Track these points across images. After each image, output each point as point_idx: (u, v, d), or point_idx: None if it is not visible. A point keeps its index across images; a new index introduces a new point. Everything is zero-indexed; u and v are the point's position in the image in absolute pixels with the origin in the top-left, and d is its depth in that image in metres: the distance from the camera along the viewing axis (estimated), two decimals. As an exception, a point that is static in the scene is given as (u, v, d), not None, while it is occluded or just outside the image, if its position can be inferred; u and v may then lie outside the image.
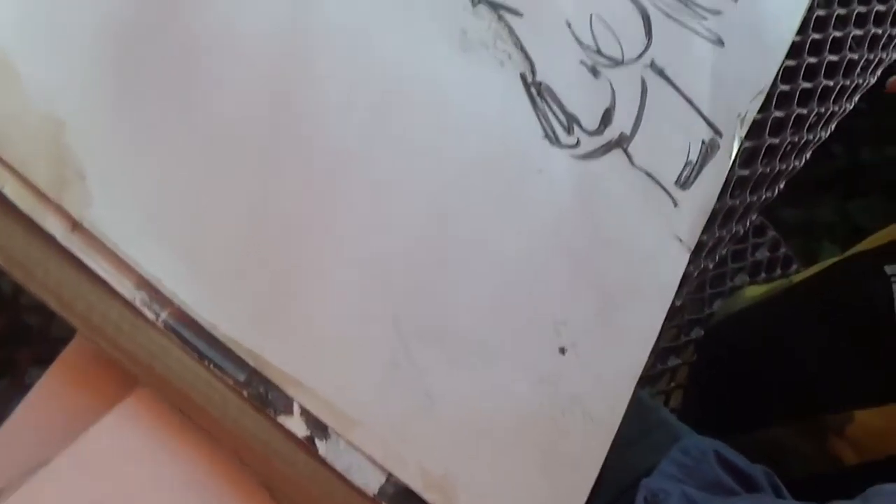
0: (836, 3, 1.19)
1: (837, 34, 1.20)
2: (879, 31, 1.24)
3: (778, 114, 1.12)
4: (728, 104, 1.05)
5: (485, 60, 0.90)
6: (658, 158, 0.98)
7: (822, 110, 1.17)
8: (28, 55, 0.69)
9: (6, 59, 0.68)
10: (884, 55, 1.25)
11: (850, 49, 1.21)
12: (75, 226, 0.68)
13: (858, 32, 1.22)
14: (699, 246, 0.99)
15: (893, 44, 1.26)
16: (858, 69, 1.22)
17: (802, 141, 1.14)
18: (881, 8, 1.24)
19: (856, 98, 1.23)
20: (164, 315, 0.70)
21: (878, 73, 1.26)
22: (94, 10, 0.72)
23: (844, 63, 1.21)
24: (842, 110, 1.21)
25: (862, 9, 1.22)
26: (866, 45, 1.23)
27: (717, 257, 1.03)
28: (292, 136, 0.79)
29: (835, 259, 1.42)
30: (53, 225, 0.67)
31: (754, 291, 1.43)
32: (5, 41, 0.68)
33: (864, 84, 1.23)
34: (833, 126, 1.20)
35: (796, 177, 1.16)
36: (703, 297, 1.04)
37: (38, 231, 0.67)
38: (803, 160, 1.15)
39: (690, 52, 1.04)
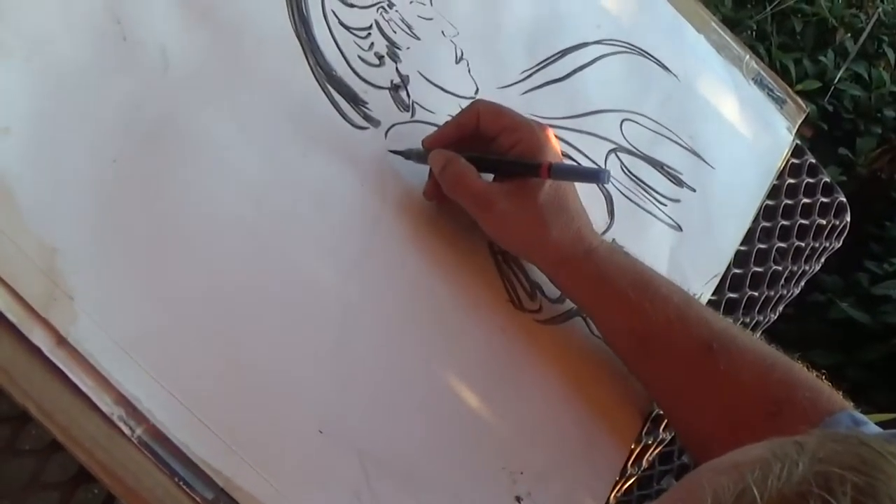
0: (760, 217, 1.26)
1: (762, 246, 1.27)
2: (802, 244, 1.32)
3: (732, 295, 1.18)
4: (684, 284, 1.10)
5: (455, 226, 0.96)
6: (617, 328, 1.03)
7: (748, 320, 1.23)
8: (27, 184, 0.75)
9: (7, 186, 0.73)
10: (807, 267, 1.31)
11: (775, 261, 1.28)
12: (61, 341, 0.72)
13: (782, 245, 1.30)
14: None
15: (816, 256, 1.33)
16: (782, 280, 1.29)
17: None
18: (804, 221, 1.32)
19: (780, 308, 1.28)
20: (139, 431, 0.73)
21: (802, 284, 1.31)
22: (91, 150, 0.79)
23: (769, 274, 1.28)
24: (766, 319, 1.26)
25: (785, 222, 1.30)
26: (790, 257, 1.30)
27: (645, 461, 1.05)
28: (269, 280, 0.84)
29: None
30: (40, 338, 0.71)
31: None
32: (7, 169, 0.74)
33: (789, 294, 1.29)
34: (759, 335, 1.24)
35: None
36: (631, 499, 1.05)
37: (25, 342, 0.71)
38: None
39: (650, 235, 1.11)
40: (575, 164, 1.04)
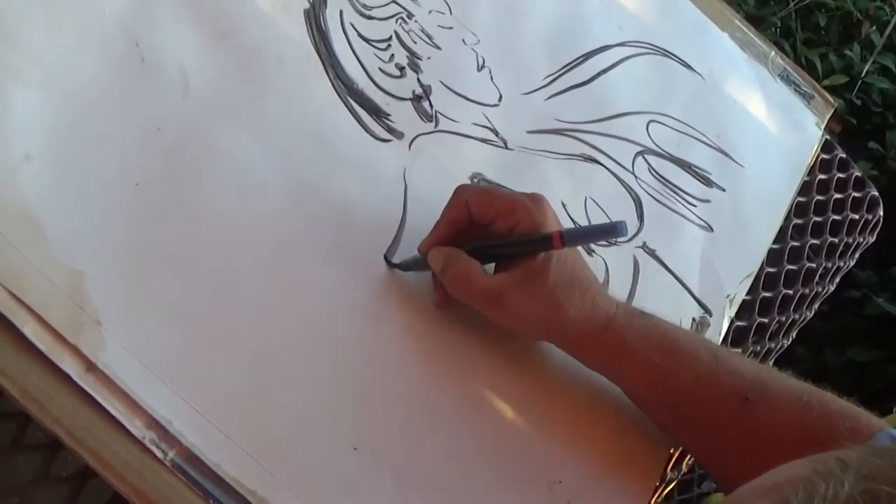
0: (792, 215, 1.25)
1: (795, 244, 1.25)
2: (836, 240, 1.31)
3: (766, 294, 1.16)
4: (717, 285, 1.09)
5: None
6: (651, 333, 1.01)
7: (783, 318, 1.22)
8: (51, 211, 0.74)
9: (31, 214, 0.73)
10: (841, 263, 1.29)
11: (808, 258, 1.27)
12: (90, 367, 0.71)
13: (816, 242, 1.28)
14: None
15: (850, 251, 1.31)
16: (817, 277, 1.28)
17: (764, 350, 1.18)
18: (836, 217, 1.31)
19: (815, 305, 1.27)
20: (171, 454, 0.72)
21: (837, 280, 1.30)
22: (113, 174, 0.79)
23: (803, 272, 1.26)
24: (802, 318, 1.25)
25: (818, 218, 1.29)
26: (823, 253, 1.29)
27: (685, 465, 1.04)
28: (295, 297, 0.84)
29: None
30: (69, 365, 0.71)
31: (721, 498, 1.41)
32: (31, 197, 0.74)
33: (824, 291, 1.27)
34: (794, 334, 1.23)
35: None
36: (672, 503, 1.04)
37: (54, 370, 0.70)
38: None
39: (681, 236, 1.09)
40: (584, 225, 0.97)
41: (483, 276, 0.86)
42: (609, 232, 0.93)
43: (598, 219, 1.03)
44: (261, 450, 0.75)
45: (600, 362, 0.91)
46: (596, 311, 0.88)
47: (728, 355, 0.94)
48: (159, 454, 0.72)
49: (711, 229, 1.12)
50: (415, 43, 0.99)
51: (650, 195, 1.09)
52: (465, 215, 0.87)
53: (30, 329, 0.70)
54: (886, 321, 2.23)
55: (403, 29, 0.99)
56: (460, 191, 0.89)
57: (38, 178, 0.75)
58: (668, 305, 1.05)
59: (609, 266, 1.02)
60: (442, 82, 0.99)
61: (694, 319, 1.06)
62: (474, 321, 0.89)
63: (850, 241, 1.30)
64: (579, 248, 0.91)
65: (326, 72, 0.92)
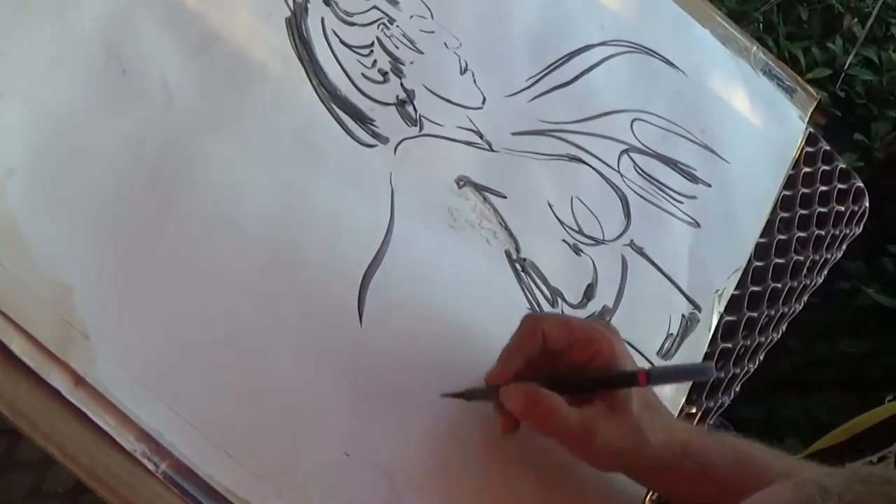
0: (778, 208, 1.25)
1: (782, 237, 1.25)
2: (822, 233, 1.30)
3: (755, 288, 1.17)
4: (706, 281, 1.09)
5: (471, 238, 0.95)
6: (640, 330, 1.02)
7: (772, 312, 1.22)
8: (36, 225, 0.74)
9: (16, 227, 0.73)
10: (829, 255, 1.30)
11: (796, 251, 1.27)
12: (79, 381, 0.71)
13: (803, 234, 1.28)
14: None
15: (837, 243, 1.31)
16: (805, 270, 1.28)
17: (755, 344, 1.18)
18: (822, 209, 1.31)
19: (805, 298, 1.27)
20: (163, 466, 0.72)
21: (825, 272, 1.30)
22: (97, 187, 0.78)
23: (791, 265, 1.26)
24: (791, 311, 1.25)
25: (804, 211, 1.29)
26: (811, 246, 1.29)
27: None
28: (284, 306, 0.83)
29: (799, 457, 1.41)
30: (58, 380, 0.71)
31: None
32: (15, 212, 0.73)
33: (812, 284, 1.28)
34: (784, 327, 1.23)
35: (754, 374, 1.18)
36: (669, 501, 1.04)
37: (43, 385, 0.70)
38: (757, 362, 1.18)
39: (668, 233, 1.10)
40: (671, 365, 0.96)
41: (571, 411, 0.82)
42: (695, 374, 0.92)
43: (586, 218, 1.03)
44: (252, 459, 0.75)
45: (680, 489, 0.89)
46: (672, 437, 0.86)
47: (785, 455, 0.93)
48: (151, 467, 0.72)
49: (698, 225, 1.12)
50: (397, 48, 0.99)
51: (636, 193, 1.09)
52: (539, 345, 0.84)
53: (17, 345, 0.70)
54: (877, 312, 2.23)
55: (385, 34, 0.99)
56: (534, 320, 0.86)
57: (21, 193, 0.74)
58: (657, 302, 1.06)
59: (597, 265, 1.02)
60: (425, 86, 0.99)
61: (683, 316, 1.06)
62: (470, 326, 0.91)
63: (837, 232, 1.30)
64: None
65: (310, 79, 0.92)
